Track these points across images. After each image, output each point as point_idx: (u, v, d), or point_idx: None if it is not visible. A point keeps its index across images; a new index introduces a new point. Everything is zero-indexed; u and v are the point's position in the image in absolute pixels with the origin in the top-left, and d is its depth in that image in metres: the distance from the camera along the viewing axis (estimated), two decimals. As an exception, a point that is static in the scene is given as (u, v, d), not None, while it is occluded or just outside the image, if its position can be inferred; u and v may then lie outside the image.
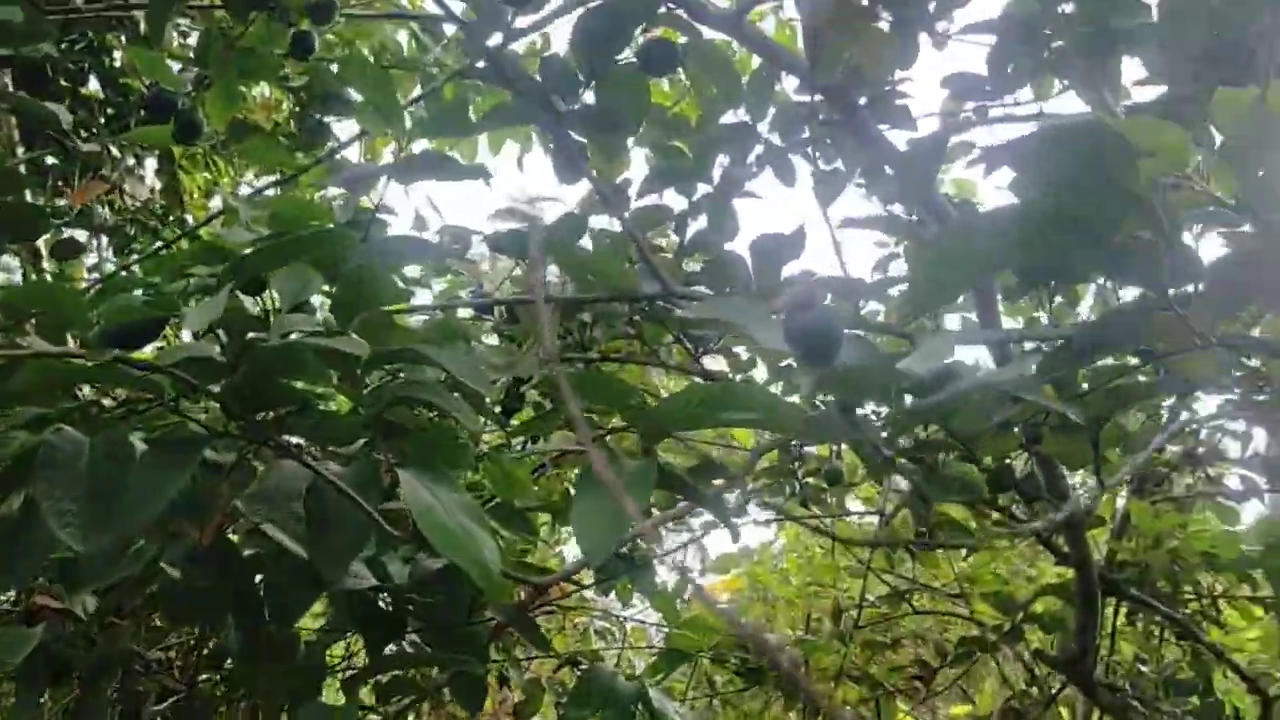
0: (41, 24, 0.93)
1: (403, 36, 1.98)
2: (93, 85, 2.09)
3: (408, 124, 1.02)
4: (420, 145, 1.05)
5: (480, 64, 1.14)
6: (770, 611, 4.24)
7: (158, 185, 2.19)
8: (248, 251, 0.82)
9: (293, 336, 0.99)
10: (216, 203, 2.39)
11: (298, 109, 1.38)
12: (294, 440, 0.93)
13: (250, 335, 0.81)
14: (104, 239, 2.10)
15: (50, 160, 1.71)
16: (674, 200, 1.60)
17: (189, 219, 2.28)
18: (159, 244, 2.16)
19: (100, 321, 0.74)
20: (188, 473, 0.77)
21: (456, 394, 0.98)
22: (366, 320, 0.91)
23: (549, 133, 1.12)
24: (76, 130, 1.50)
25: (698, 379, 1.63)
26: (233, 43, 1.12)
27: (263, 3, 1.14)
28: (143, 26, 1.53)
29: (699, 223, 1.63)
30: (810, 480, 1.84)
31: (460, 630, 1.08)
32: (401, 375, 1.00)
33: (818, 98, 1.45)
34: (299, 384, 0.87)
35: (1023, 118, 1.27)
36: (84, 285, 2.30)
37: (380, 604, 1.10)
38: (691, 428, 0.86)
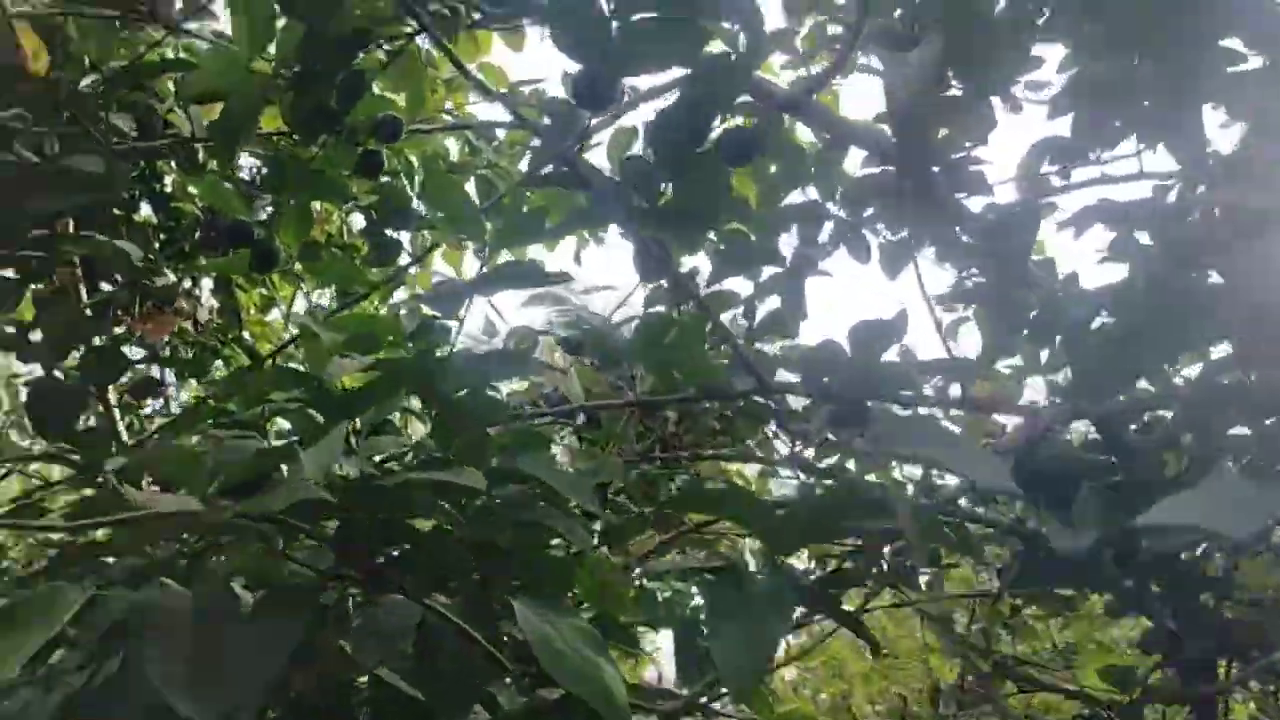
0: (117, 170, 0.92)
1: (452, 142, 1.98)
2: (144, 210, 2.10)
3: (488, 235, 0.99)
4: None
5: (547, 169, 1.12)
6: (847, 688, 4.11)
7: (214, 304, 2.19)
8: (357, 387, 0.78)
9: (379, 464, 0.95)
10: (273, 315, 2.39)
11: (365, 225, 1.37)
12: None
13: (360, 473, 0.77)
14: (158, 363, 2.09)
15: (106, 287, 1.71)
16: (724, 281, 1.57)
17: (246, 335, 2.27)
18: (218, 362, 2.15)
19: (217, 476, 0.70)
20: (301, 625, 0.73)
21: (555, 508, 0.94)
22: (467, 442, 0.87)
23: (628, 232, 1.09)
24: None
25: (781, 470, 1.58)
26: (305, 166, 1.11)
27: (331, 126, 1.13)
28: (199, 154, 1.53)
29: (764, 305, 1.60)
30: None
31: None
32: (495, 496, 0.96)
33: (889, 168, 1.42)
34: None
35: (1120, 177, 1.23)
36: (147, 413, 2.30)
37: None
38: (822, 539, 0.81)
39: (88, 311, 1.26)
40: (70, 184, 0.91)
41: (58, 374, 1.41)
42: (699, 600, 1.92)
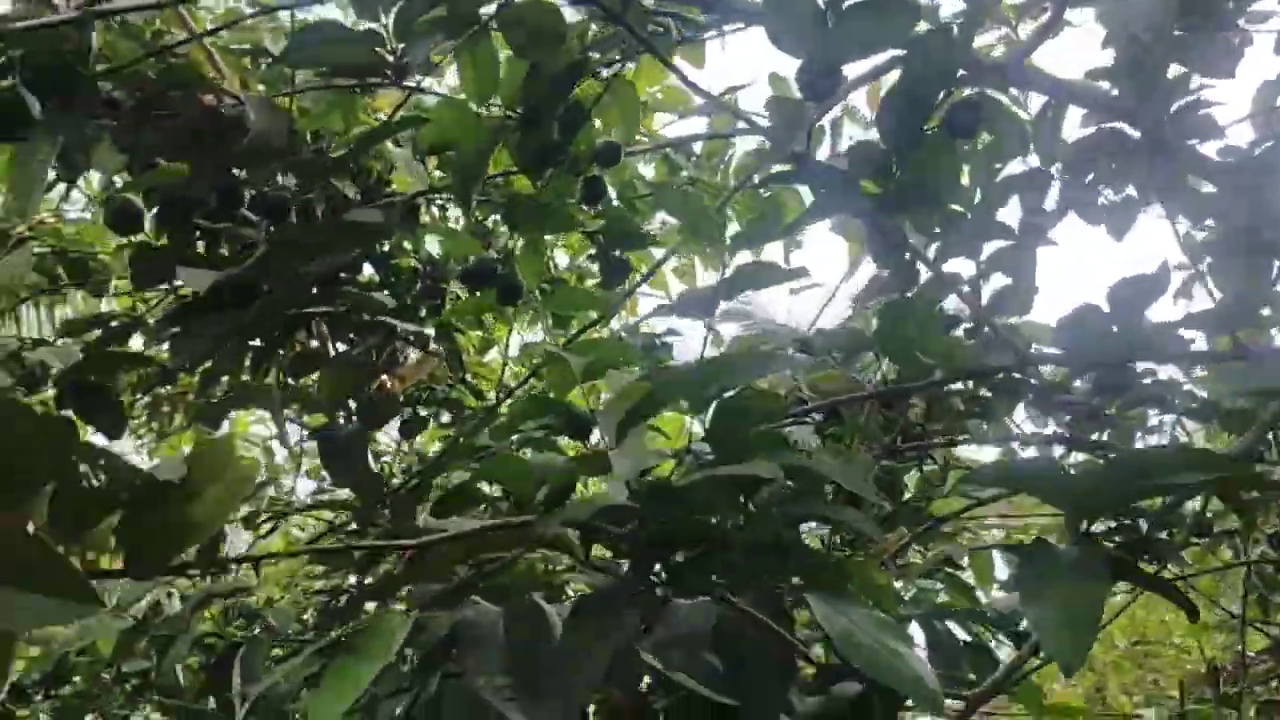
0: (392, 220, 0.99)
1: (642, 165, 2.01)
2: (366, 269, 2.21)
3: (730, 238, 1.01)
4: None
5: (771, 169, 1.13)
6: (1099, 679, 3.92)
7: (440, 349, 2.29)
8: (637, 402, 0.80)
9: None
10: (491, 356, 2.48)
11: (594, 250, 1.41)
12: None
13: (652, 477, 0.79)
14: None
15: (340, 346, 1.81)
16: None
17: (468, 377, 2.36)
18: (444, 403, 2.25)
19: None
20: (620, 636, 0.75)
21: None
22: (740, 444, 0.88)
23: (863, 219, 1.08)
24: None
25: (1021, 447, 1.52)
26: (535, 202, 1.16)
27: (555, 159, 1.17)
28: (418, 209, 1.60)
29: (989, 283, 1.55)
30: (1168, 535, 1.67)
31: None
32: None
33: (1111, 125, 1.36)
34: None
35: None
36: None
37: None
38: (1129, 501, 0.78)
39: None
40: (354, 237, 0.98)
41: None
42: (945, 597, 1.87)
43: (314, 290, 1.10)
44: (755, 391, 0.86)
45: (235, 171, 1.06)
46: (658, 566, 0.85)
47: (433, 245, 2.07)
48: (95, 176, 2.39)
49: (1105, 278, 1.09)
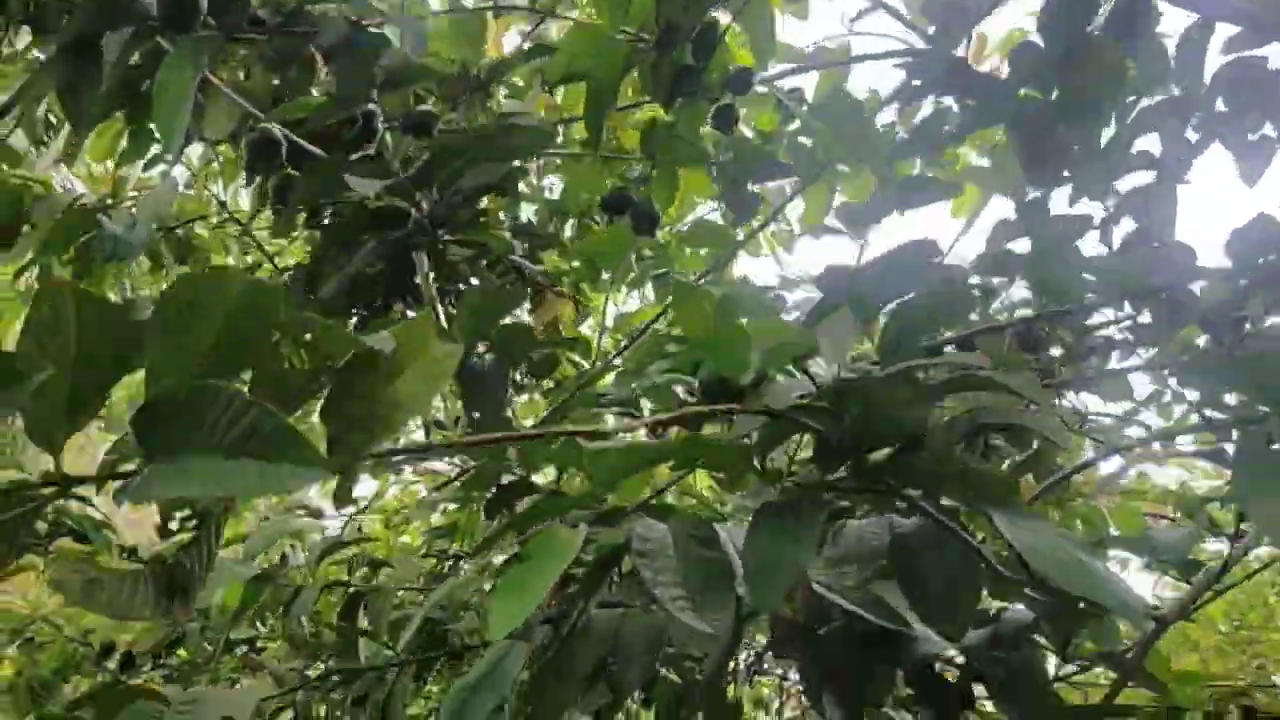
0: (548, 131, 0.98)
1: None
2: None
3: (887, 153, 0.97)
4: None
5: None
6: (1201, 663, 3.81)
7: (567, 291, 2.28)
8: (821, 297, 0.77)
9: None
10: (584, 328, 2.47)
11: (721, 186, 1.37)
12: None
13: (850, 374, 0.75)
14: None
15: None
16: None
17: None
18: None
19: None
20: (812, 542, 0.72)
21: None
22: (922, 346, 0.85)
23: (1018, 131, 1.03)
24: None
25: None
26: (670, 130, 1.13)
27: (688, 85, 1.14)
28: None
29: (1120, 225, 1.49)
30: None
31: (1042, 700, 0.95)
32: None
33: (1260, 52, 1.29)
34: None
35: None
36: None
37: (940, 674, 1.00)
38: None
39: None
40: (512, 144, 0.96)
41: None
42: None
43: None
44: (937, 287, 0.82)
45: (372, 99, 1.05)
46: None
47: (528, 211, 2.05)
48: (194, 151, 2.41)
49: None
